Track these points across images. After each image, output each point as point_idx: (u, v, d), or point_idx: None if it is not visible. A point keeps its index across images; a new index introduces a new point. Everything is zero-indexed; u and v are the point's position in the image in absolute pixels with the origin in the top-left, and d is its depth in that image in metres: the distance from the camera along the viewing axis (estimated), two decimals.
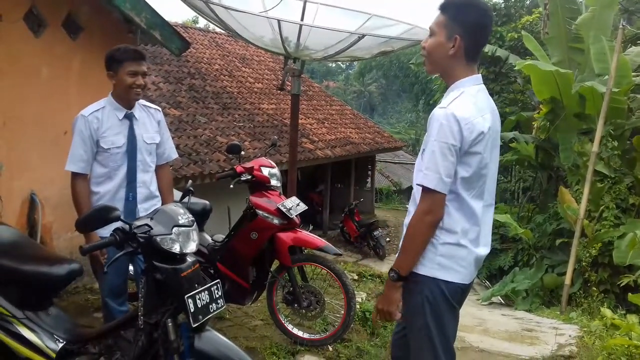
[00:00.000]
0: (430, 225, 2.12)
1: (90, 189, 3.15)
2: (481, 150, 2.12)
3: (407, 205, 2.45)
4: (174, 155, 3.52)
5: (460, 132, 2.06)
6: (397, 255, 2.28)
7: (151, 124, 3.30)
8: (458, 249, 2.18)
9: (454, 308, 2.25)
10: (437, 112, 2.11)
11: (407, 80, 32.10)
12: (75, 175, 3.10)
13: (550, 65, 9.74)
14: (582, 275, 8.25)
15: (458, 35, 2.13)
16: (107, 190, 3.14)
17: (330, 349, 3.94)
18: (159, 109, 3.42)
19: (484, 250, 2.27)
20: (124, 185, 3.16)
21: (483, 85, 2.25)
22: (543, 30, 11.50)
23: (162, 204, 3.34)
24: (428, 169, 2.08)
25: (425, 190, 2.10)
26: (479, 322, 5.88)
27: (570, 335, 5.17)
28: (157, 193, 3.36)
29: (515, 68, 10.61)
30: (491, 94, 2.31)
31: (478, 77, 2.23)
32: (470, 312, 6.58)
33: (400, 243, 2.27)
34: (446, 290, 2.18)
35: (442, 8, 2.19)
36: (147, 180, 3.26)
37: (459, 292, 2.24)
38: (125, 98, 3.14)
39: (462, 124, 2.05)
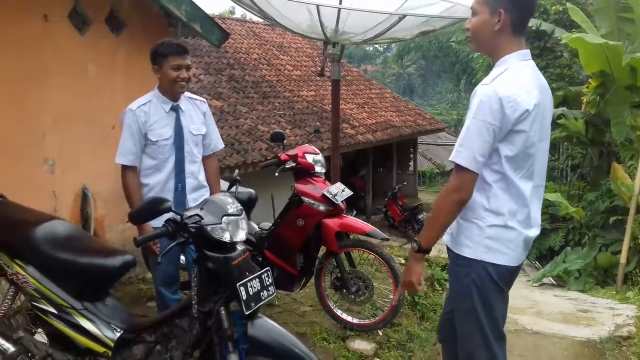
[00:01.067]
0: (457, 203, 2.09)
1: (140, 181, 3.22)
2: (527, 129, 2.05)
3: None
4: (221, 145, 3.56)
5: (502, 111, 1.99)
6: (449, 241, 2.25)
7: (197, 115, 3.34)
8: (505, 231, 2.13)
9: (502, 290, 2.20)
10: (479, 89, 2.06)
11: (447, 60, 31.50)
12: (125, 168, 3.17)
13: (598, 37, 9.37)
14: (638, 253, 7.97)
15: (502, 9, 2.06)
16: (156, 182, 3.20)
17: (380, 333, 3.93)
18: (204, 100, 3.46)
19: (534, 231, 2.21)
20: (173, 176, 3.22)
21: (531, 61, 2.16)
22: (588, 1, 11.06)
23: (210, 194, 3.39)
24: (462, 146, 2.04)
25: (457, 167, 2.06)
26: (532, 303, 5.77)
27: (627, 315, 5.01)
28: (205, 183, 3.41)
29: (562, 42, 10.24)
30: None
31: (526, 52, 2.14)
32: (522, 294, 6.46)
33: (455, 230, 2.23)
34: (494, 273, 2.14)
35: None
36: (194, 171, 3.30)
37: (507, 275, 2.19)
38: (171, 91, 3.19)
39: (504, 102, 1.99)
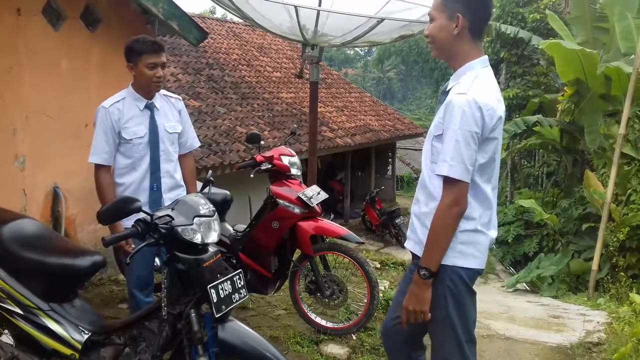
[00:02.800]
0: (458, 217, 2.07)
1: (114, 180, 3.17)
2: (497, 135, 2.09)
3: None
4: (197, 144, 3.52)
5: (482, 119, 2.01)
6: (414, 248, 2.24)
7: (172, 113, 3.30)
8: (476, 235, 2.15)
9: (473, 294, 2.22)
10: (456, 98, 2.04)
11: (426, 66, 31.76)
12: (98, 167, 3.12)
13: (575, 44, 9.52)
14: (610, 260, 8.10)
15: (459, 14, 2.08)
16: (131, 181, 3.16)
17: (354, 337, 3.92)
18: (180, 98, 3.42)
19: (494, 233, 2.25)
20: (148, 175, 3.17)
21: (490, 68, 2.20)
22: (565, 10, 11.22)
23: (187, 193, 3.35)
24: (453, 159, 2.01)
25: (450, 181, 2.04)
26: (505, 309, 5.81)
27: (598, 322, 5.07)
28: (182, 183, 3.37)
29: (540, 47, 10.38)
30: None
31: (485, 58, 2.18)
32: (496, 299, 6.50)
33: (413, 234, 2.24)
34: (466, 277, 2.15)
35: None
36: (170, 170, 3.26)
37: (476, 277, 2.22)
38: (146, 89, 3.15)
39: (484, 110, 2.00)
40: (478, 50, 2.16)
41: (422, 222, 2.20)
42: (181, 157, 3.39)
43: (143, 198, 3.08)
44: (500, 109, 2.07)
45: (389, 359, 2.56)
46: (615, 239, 7.93)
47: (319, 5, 6.80)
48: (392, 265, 5.97)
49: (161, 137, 3.20)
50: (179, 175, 3.34)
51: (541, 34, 13.30)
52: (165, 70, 3.17)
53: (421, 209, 2.22)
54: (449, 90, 2.15)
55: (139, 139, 3.13)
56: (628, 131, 8.14)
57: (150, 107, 3.18)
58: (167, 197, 3.23)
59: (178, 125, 3.31)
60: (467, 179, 2.03)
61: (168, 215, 2.22)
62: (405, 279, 2.40)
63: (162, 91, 3.28)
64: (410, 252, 2.32)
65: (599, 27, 10.41)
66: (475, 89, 2.04)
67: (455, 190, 2.04)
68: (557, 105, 11.10)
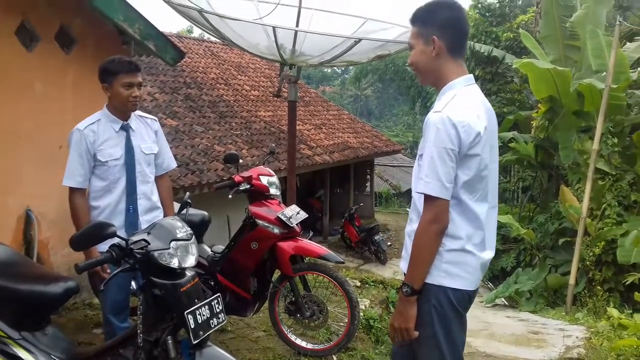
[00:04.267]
0: (438, 234, 2.06)
1: (89, 203, 3.10)
2: (480, 152, 2.08)
3: (407, 209, 2.39)
4: (173, 164, 3.49)
5: (458, 136, 2.02)
6: (406, 268, 2.22)
7: (148, 134, 3.26)
8: (464, 255, 2.13)
9: (461, 315, 2.20)
10: (432, 116, 2.07)
11: (403, 84, 32.00)
12: (72, 190, 3.05)
13: (548, 63, 9.72)
14: (586, 274, 8.21)
15: (435, 36, 2.12)
16: (107, 204, 3.09)
17: (335, 358, 3.88)
18: (155, 119, 3.38)
19: (489, 254, 2.22)
20: (124, 198, 3.11)
21: (476, 86, 2.22)
22: (535, 29, 11.46)
23: (164, 215, 3.31)
24: (428, 177, 2.03)
25: (428, 198, 2.05)
26: (484, 325, 5.82)
27: (577, 337, 5.11)
28: (159, 204, 3.32)
29: (513, 67, 10.59)
30: (488, 95, 2.29)
31: (469, 77, 2.20)
32: (475, 315, 6.51)
33: (406, 254, 2.21)
34: (453, 298, 2.13)
35: (412, 21, 2.21)
36: (147, 192, 3.21)
37: (466, 299, 2.19)
38: (122, 110, 3.11)
39: (458, 127, 2.01)
40: (460, 68, 2.19)
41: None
42: (158, 179, 3.34)
43: (119, 221, 3.03)
44: (480, 126, 2.06)
45: None
46: (591, 253, 8.05)
47: (297, 25, 6.83)
48: (372, 284, 5.94)
49: (137, 159, 3.15)
50: (155, 197, 3.29)
51: (514, 52, 13.59)
52: (142, 90, 3.14)
53: (412, 228, 2.21)
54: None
55: (115, 160, 3.08)
56: (601, 147, 8.32)
57: (126, 129, 3.14)
58: (144, 220, 3.17)
59: (154, 146, 3.27)
60: (445, 196, 2.03)
61: (144, 240, 2.18)
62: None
63: (138, 112, 3.24)
64: (403, 272, 2.30)
65: (571, 45, 10.67)
66: (451, 106, 2.06)
67: (434, 207, 2.04)
68: (532, 122, 11.31)
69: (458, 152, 2.04)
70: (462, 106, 2.07)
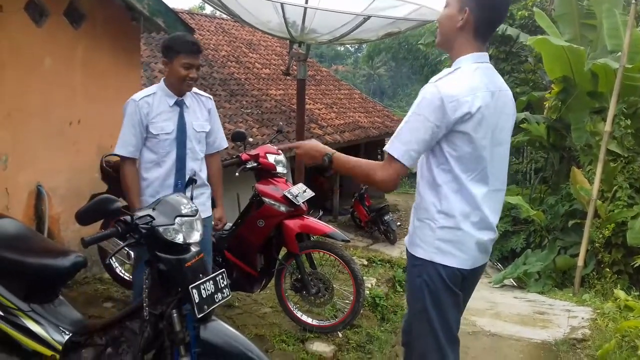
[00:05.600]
0: (372, 185, 2.20)
1: (140, 174, 3.19)
2: (469, 131, 2.03)
3: None
4: (225, 144, 3.56)
5: (442, 109, 1.99)
6: (409, 242, 2.26)
7: (201, 112, 3.32)
8: (457, 233, 2.12)
9: (454, 293, 2.17)
10: (426, 85, 2.08)
11: (416, 62, 31.70)
12: (124, 159, 3.15)
13: (562, 40, 9.55)
14: (595, 256, 8.18)
15: (468, 8, 2.07)
16: (155, 177, 3.18)
17: (340, 335, 3.93)
18: (210, 97, 3.45)
19: (486, 234, 2.18)
20: (173, 172, 3.19)
21: (487, 64, 2.16)
22: (550, 7, 11.24)
23: (212, 194, 3.41)
24: (397, 138, 2.06)
25: (390, 157, 2.06)
26: (491, 305, 5.85)
27: (583, 318, 5.12)
28: (207, 182, 3.38)
29: (527, 44, 10.43)
30: (502, 74, 2.24)
31: (481, 55, 2.14)
32: (482, 295, 6.55)
33: (412, 228, 2.24)
34: (444, 275, 2.13)
35: None
36: (196, 168, 3.27)
37: (459, 277, 2.16)
38: (177, 87, 3.18)
39: (445, 101, 1.99)
40: (478, 48, 2.14)
41: (415, 215, 2.24)
42: (208, 157, 3.42)
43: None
44: (472, 106, 2.01)
45: (404, 352, 2.46)
46: (600, 235, 8.01)
47: (306, 2, 6.77)
48: (379, 263, 5.98)
49: (189, 135, 3.22)
50: (204, 174, 3.36)
51: (529, 31, 13.37)
52: (199, 72, 3.21)
53: (418, 203, 2.23)
54: None
55: (166, 134, 3.16)
56: (614, 128, 8.22)
57: (180, 104, 3.21)
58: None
59: (206, 124, 3.34)
60: (405, 161, 2.03)
61: (149, 215, 2.20)
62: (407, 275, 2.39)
63: (193, 89, 3.30)
64: (406, 248, 2.31)
65: (586, 24, 10.48)
66: (447, 79, 2.04)
67: (392, 169, 2.06)
68: (545, 103, 11.17)
69: (438, 127, 2.01)
70: (458, 81, 2.04)
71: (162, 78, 3.23)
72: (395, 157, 2.03)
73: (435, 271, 2.13)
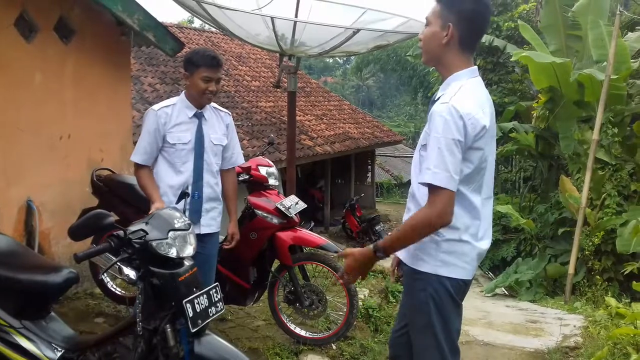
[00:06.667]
0: (438, 227, 2.04)
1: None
2: (482, 146, 2.07)
3: None
4: (241, 160, 3.58)
5: (465, 128, 1.99)
6: (404, 257, 2.24)
7: (219, 126, 3.36)
8: (461, 245, 2.14)
9: (458, 305, 2.21)
10: (439, 107, 2.04)
11: (405, 74, 31.94)
12: (137, 166, 3.21)
13: (547, 55, 9.66)
14: (586, 264, 8.23)
15: (451, 23, 2.08)
16: (170, 186, 3.21)
17: (334, 347, 3.92)
18: (229, 113, 3.48)
19: (485, 244, 2.23)
20: (190, 183, 3.21)
21: (479, 78, 2.20)
22: (536, 19, 11.37)
23: (227, 209, 3.44)
24: (437, 167, 1.98)
25: (434, 189, 1.99)
26: (483, 314, 5.86)
27: (575, 326, 5.14)
28: (220, 196, 3.40)
29: (512, 59, 10.54)
30: (489, 84, 2.29)
31: (474, 69, 2.18)
32: (474, 305, 6.56)
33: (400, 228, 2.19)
34: (450, 287, 2.14)
35: None
36: (211, 181, 3.31)
37: (463, 288, 2.20)
38: (197, 100, 3.22)
39: (465, 119, 1.99)
40: (467, 61, 2.16)
41: None
42: (224, 172, 3.44)
43: (179, 205, 3.03)
44: (485, 120, 2.05)
45: None
46: (590, 243, 8.06)
47: (296, 16, 6.82)
48: (371, 274, 5.97)
49: (206, 148, 3.26)
50: (218, 188, 3.38)
51: (516, 41, 13.51)
52: (219, 85, 3.26)
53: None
54: (437, 100, 2.14)
55: (183, 145, 3.20)
56: (601, 136, 8.30)
57: (198, 117, 3.25)
58: (204, 208, 3.28)
59: (224, 138, 3.37)
60: (452, 187, 1.98)
61: (142, 230, 2.20)
62: (404, 288, 2.40)
63: (213, 104, 3.34)
64: (399, 259, 2.32)
65: (572, 34, 10.61)
66: (458, 98, 2.04)
67: (441, 199, 1.99)
68: (532, 112, 11.28)
69: (464, 144, 2.01)
70: (469, 99, 2.05)
71: (183, 91, 3.29)
72: (443, 186, 1.98)
73: (441, 284, 2.14)
